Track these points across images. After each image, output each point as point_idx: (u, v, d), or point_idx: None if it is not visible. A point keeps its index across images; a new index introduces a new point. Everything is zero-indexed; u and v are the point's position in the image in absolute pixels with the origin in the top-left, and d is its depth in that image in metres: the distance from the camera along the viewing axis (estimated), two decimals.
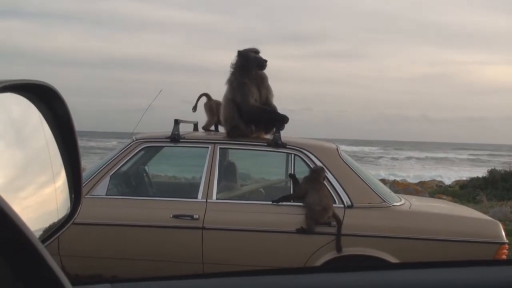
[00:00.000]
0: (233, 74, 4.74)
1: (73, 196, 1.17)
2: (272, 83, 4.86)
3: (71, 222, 1.16)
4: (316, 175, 4.32)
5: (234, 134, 4.66)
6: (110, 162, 4.57)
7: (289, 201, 4.38)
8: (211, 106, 5.30)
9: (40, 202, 1.12)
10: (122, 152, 4.60)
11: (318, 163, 4.43)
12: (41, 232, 1.09)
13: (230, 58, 4.80)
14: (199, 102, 5.36)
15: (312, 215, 4.22)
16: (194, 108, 5.31)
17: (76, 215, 1.18)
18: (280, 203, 4.37)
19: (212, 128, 5.30)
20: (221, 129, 5.18)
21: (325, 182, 4.33)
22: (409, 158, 51.87)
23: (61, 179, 1.17)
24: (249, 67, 4.68)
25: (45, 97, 1.10)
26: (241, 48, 4.76)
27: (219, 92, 5.09)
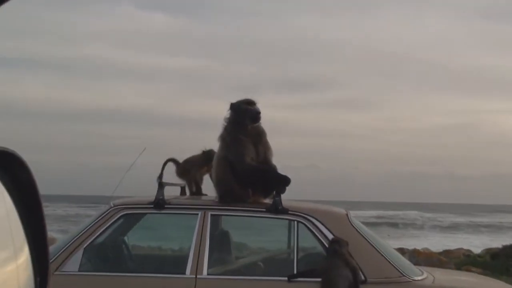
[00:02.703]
0: (226, 129, 4.79)
1: (38, 278, 1.15)
2: (271, 138, 4.90)
3: None
4: (338, 246, 4.26)
5: (227, 198, 4.65)
6: (84, 232, 4.53)
7: (311, 277, 4.27)
8: (183, 172, 5.33)
9: None
10: (98, 221, 4.57)
11: (326, 232, 4.41)
12: None
13: (224, 108, 4.88)
14: (168, 168, 5.35)
15: None
16: (160, 178, 5.28)
17: None
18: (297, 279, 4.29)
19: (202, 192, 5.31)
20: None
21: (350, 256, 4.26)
22: (432, 222, 51.56)
23: (24, 255, 1.15)
24: (243, 121, 4.74)
25: (6, 164, 1.10)
26: (236, 98, 4.85)
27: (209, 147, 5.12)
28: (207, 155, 5.23)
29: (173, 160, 5.39)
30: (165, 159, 5.32)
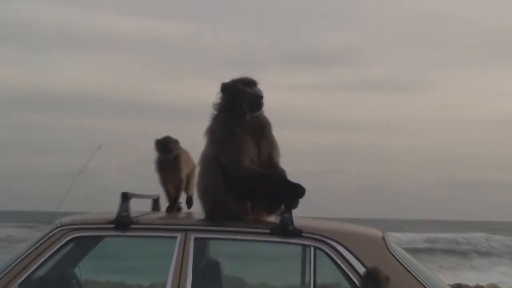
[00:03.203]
0: (215, 119, 4.81)
1: None
2: (279, 132, 4.93)
3: None
4: (374, 284, 4.27)
5: (218, 215, 4.65)
6: (20, 262, 4.53)
7: None
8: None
9: None
10: (39, 246, 4.58)
11: (353, 261, 4.42)
12: None
13: (214, 91, 4.89)
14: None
15: None
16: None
17: None
18: None
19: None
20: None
21: None
22: (502, 248, 51.46)
23: None
24: (239, 108, 4.76)
25: None
26: (230, 76, 4.86)
27: (195, 145, 5.13)
28: (160, 145, 5.22)
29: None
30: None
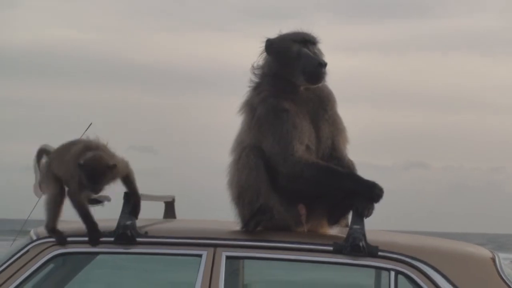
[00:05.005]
0: (256, 90, 4.81)
1: None
2: (344, 108, 4.94)
3: None
4: None
5: (259, 224, 4.69)
6: None
7: None
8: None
9: None
10: (9, 266, 4.62)
11: None
12: None
13: (248, 50, 4.85)
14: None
15: None
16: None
17: None
18: None
19: None
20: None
21: None
22: None
23: None
24: (290, 75, 4.76)
25: None
26: (273, 33, 4.87)
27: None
28: (94, 181, 4.62)
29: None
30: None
